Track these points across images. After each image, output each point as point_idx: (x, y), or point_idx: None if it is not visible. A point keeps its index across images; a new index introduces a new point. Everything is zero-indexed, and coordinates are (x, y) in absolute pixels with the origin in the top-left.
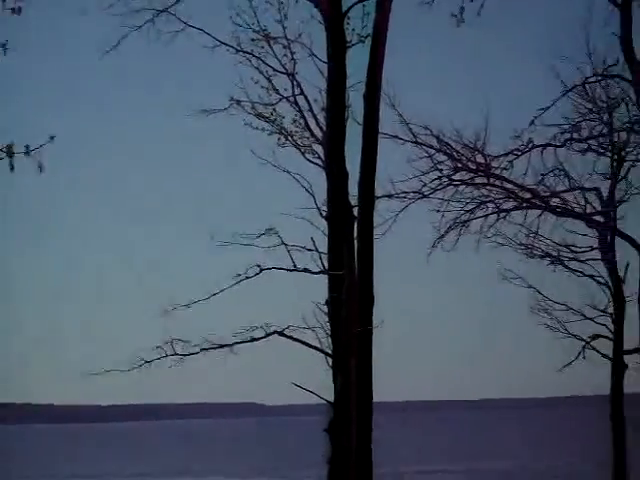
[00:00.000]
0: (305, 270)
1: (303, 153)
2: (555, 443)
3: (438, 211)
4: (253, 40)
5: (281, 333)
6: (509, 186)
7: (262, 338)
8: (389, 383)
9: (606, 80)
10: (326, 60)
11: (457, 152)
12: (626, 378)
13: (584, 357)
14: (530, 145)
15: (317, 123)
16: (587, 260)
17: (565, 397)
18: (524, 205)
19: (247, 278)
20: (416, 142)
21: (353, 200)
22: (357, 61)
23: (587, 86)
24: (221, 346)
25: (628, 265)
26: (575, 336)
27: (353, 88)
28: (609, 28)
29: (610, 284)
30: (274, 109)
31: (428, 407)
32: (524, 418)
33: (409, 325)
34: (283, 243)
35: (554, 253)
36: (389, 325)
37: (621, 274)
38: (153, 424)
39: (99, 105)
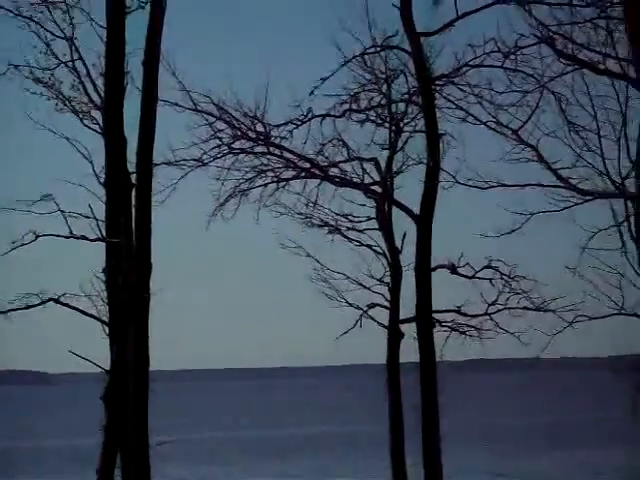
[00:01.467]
0: (82, 237)
1: (81, 119)
2: (333, 410)
3: (218, 179)
4: (32, 5)
5: (57, 300)
6: (289, 155)
7: (37, 305)
8: (167, 351)
9: (385, 51)
10: (105, 25)
11: (237, 120)
12: (402, 346)
13: (361, 326)
14: (309, 115)
15: (95, 89)
16: (365, 230)
17: (344, 365)
18: (303, 175)
19: (23, 245)
20: (196, 110)
21: (132, 167)
22: (137, 27)
23: (366, 57)
24: None
25: (405, 235)
26: (352, 305)
27: (133, 54)
28: None
29: (387, 254)
30: (52, 74)
31: (208, 375)
32: (305, 386)
33: (188, 293)
34: (60, 210)
35: (332, 222)
36: (167, 293)
37: (398, 244)
38: None
39: None
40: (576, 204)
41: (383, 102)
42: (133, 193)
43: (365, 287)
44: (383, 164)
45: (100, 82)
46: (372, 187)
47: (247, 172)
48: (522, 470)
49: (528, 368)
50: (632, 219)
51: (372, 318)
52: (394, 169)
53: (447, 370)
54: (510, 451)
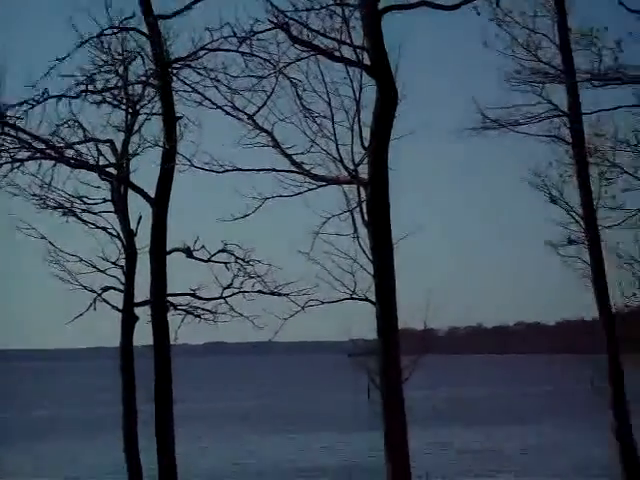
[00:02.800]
0: None
1: None
2: (71, 394)
3: None
4: None
5: None
6: (24, 136)
7: None
8: None
9: (122, 33)
10: None
11: None
12: (138, 330)
13: (95, 309)
14: (45, 95)
15: None
16: (100, 212)
17: (82, 349)
18: (38, 155)
19: None
20: None
21: None
22: None
23: (103, 38)
24: None
25: (140, 218)
26: (87, 288)
27: None
28: None
29: (122, 236)
30: None
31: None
32: (42, 369)
33: None
34: None
35: (67, 204)
36: None
37: (133, 226)
38: None
39: None
40: (309, 189)
41: (120, 84)
42: None
43: (100, 270)
44: (119, 146)
45: None
46: (107, 169)
47: None
48: (250, 451)
49: (267, 352)
50: (364, 205)
51: (106, 301)
52: (130, 151)
53: (185, 353)
54: (242, 433)
